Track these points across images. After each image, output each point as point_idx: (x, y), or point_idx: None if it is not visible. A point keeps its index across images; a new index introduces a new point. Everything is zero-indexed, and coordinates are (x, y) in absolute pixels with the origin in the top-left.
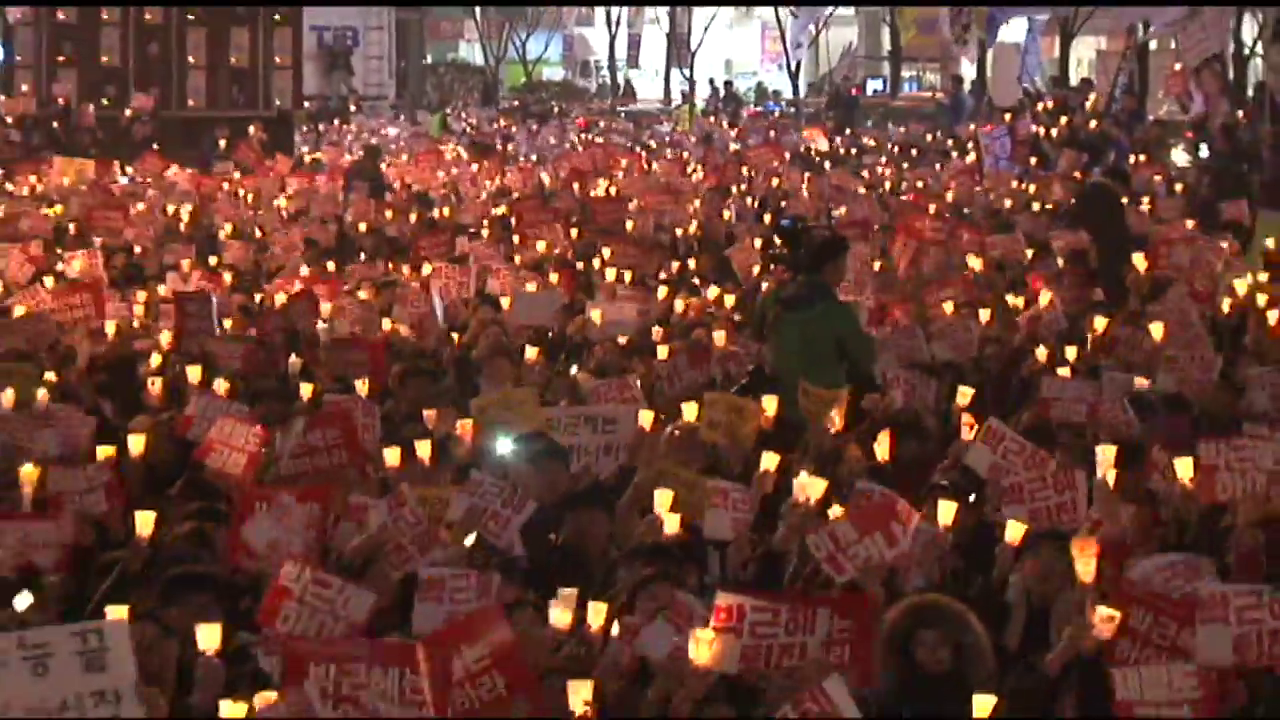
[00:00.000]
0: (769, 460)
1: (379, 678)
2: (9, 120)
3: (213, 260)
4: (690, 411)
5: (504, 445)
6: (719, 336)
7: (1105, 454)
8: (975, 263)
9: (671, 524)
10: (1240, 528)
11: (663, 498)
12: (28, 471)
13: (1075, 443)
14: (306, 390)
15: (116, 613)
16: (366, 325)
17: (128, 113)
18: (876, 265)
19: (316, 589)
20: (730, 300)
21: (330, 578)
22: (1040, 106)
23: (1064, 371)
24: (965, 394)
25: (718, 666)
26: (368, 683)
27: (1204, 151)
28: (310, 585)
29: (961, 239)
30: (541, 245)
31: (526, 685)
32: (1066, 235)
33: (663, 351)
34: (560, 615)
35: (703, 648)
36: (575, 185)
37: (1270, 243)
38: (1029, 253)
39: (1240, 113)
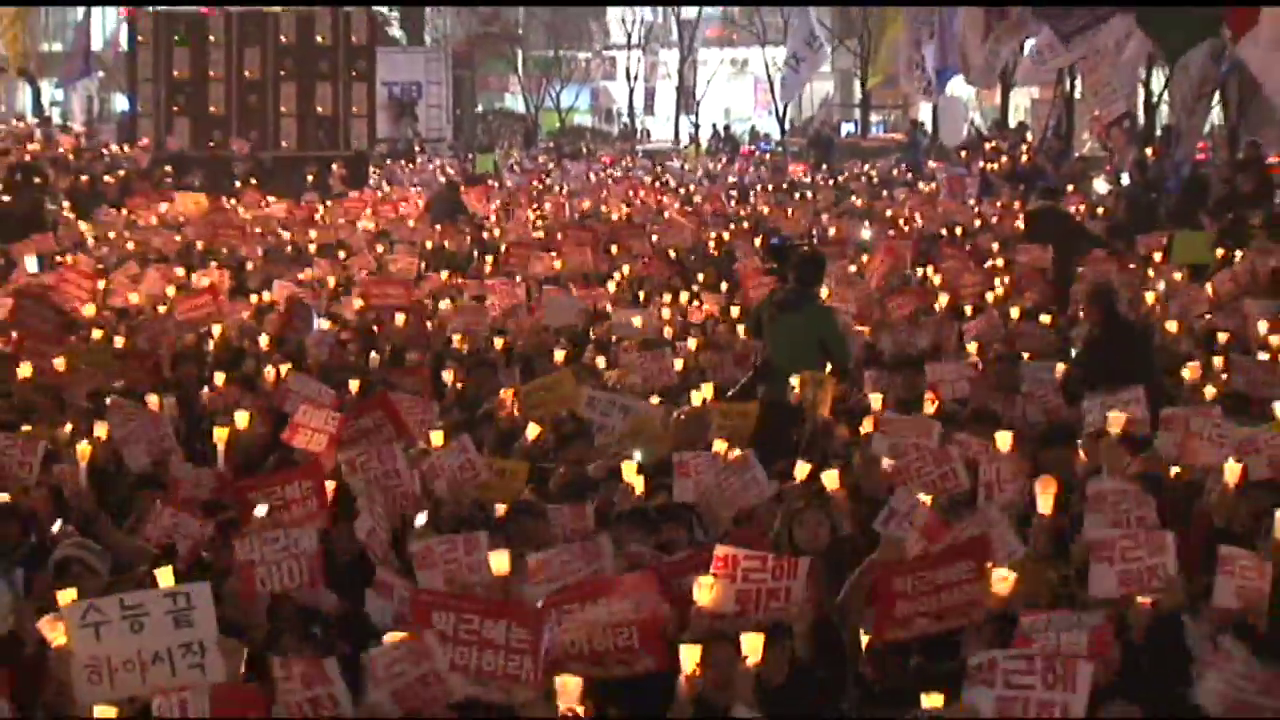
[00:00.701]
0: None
1: (490, 627)
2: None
3: (304, 274)
4: (696, 398)
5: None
6: (740, 332)
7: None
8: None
9: (639, 488)
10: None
11: (628, 468)
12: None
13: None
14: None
15: (165, 576)
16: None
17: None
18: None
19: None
20: (735, 309)
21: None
22: (988, 146)
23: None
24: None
25: (717, 608)
26: (479, 630)
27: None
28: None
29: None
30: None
31: (656, 643)
32: (1033, 251)
33: (691, 344)
34: None
35: (704, 592)
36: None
37: (1186, 255)
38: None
39: (1150, 150)
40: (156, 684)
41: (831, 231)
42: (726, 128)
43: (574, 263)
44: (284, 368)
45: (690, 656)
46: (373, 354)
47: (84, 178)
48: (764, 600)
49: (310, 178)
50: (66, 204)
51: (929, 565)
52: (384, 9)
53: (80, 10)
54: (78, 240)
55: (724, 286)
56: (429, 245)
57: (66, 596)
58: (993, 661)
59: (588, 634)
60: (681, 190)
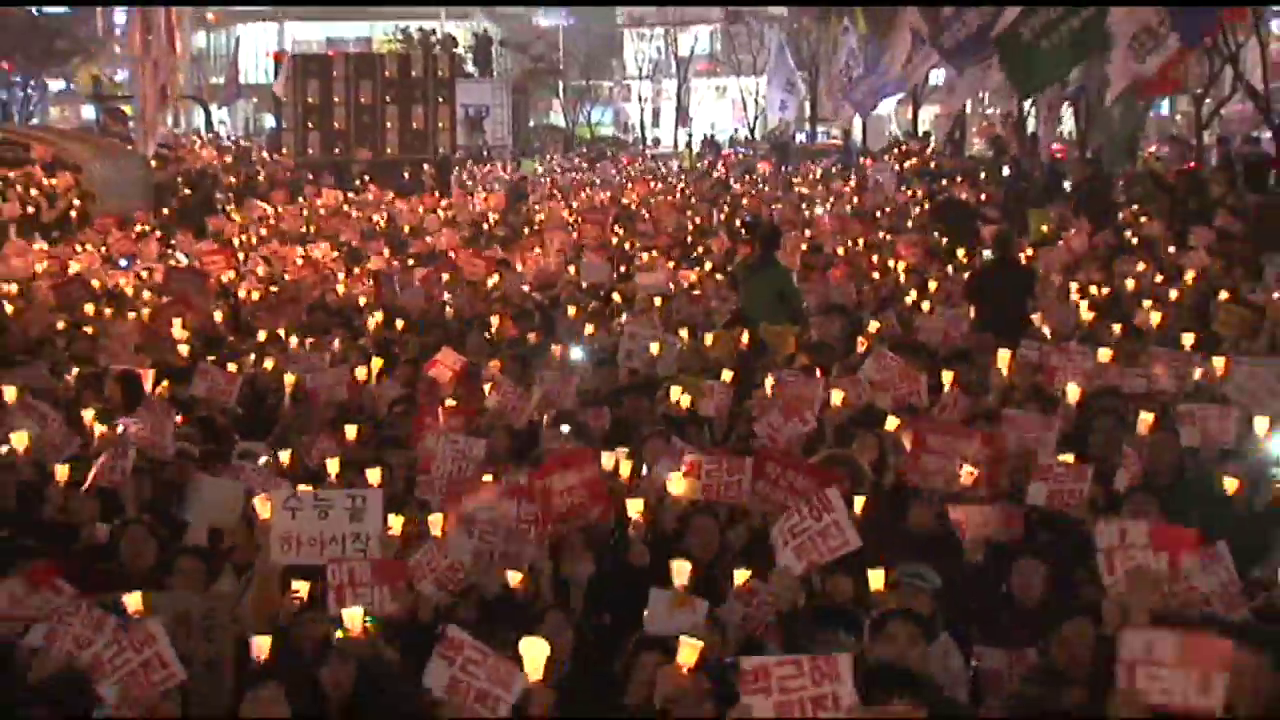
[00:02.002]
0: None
1: (508, 505)
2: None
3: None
4: (684, 335)
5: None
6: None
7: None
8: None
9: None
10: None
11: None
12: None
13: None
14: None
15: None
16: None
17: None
18: (804, 246)
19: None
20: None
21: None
22: (902, 149)
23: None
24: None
25: (692, 495)
26: (498, 506)
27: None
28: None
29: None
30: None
31: (600, 499)
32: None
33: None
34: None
35: (678, 482)
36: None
37: (1044, 228)
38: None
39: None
40: (331, 557)
41: (777, 208)
42: (712, 137)
43: (592, 236)
44: (376, 316)
45: (633, 506)
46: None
47: (242, 177)
48: (724, 491)
49: (406, 176)
50: (229, 196)
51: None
52: (459, 50)
53: (232, 47)
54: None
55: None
56: (485, 226)
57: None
58: (780, 530)
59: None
60: (678, 183)
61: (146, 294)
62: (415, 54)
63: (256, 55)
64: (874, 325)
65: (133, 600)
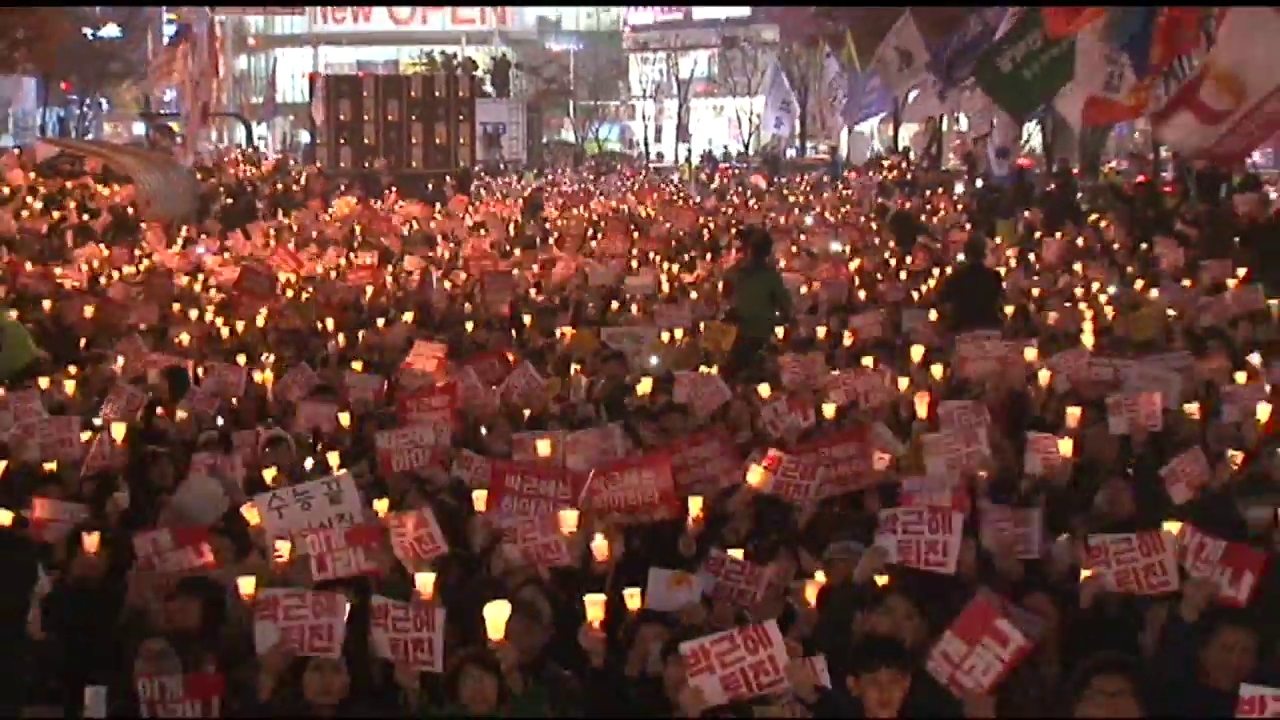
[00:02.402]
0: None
1: (544, 484)
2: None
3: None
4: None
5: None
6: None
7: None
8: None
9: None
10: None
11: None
12: None
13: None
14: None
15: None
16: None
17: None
18: (794, 250)
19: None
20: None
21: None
22: (883, 163)
23: None
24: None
25: (763, 487)
26: (537, 485)
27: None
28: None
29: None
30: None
31: (670, 500)
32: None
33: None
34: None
35: (755, 473)
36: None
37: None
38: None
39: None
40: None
41: (782, 220)
42: (709, 152)
43: (611, 245)
44: (408, 315)
45: (694, 504)
46: (467, 305)
47: (279, 186)
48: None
49: (430, 187)
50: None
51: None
52: (479, 72)
53: (270, 69)
54: (278, 229)
55: (708, 258)
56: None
57: (252, 515)
58: (892, 516)
59: (623, 493)
60: (679, 194)
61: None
62: (439, 76)
63: (293, 76)
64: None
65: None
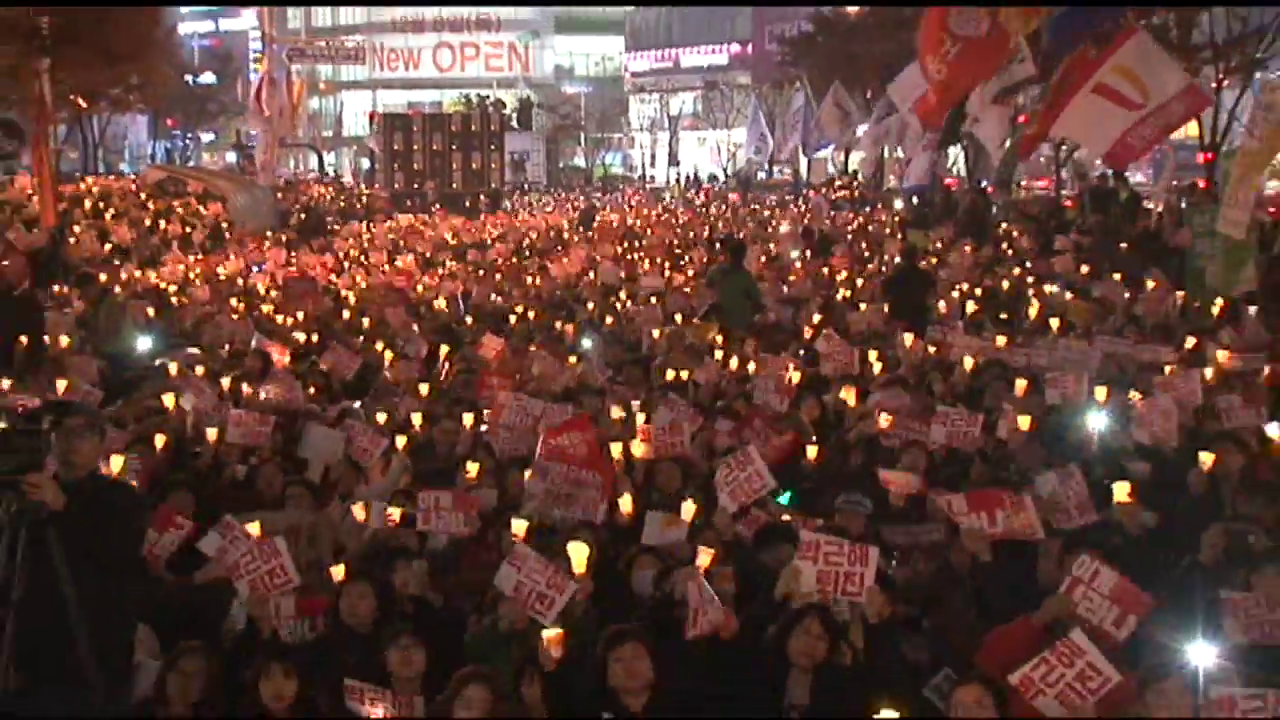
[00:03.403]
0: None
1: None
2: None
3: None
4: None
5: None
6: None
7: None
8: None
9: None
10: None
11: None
12: None
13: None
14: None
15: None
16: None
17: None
18: (761, 259)
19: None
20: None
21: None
22: (837, 184)
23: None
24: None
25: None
26: (560, 450)
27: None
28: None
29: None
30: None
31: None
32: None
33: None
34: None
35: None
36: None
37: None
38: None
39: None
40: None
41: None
42: (695, 175)
43: (607, 250)
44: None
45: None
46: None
47: (344, 205)
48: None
49: (468, 204)
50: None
51: None
52: (507, 110)
53: (337, 108)
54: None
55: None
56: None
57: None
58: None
59: (565, 448)
60: (669, 210)
61: (274, 292)
62: (474, 113)
63: (356, 115)
64: (817, 316)
65: (253, 527)
